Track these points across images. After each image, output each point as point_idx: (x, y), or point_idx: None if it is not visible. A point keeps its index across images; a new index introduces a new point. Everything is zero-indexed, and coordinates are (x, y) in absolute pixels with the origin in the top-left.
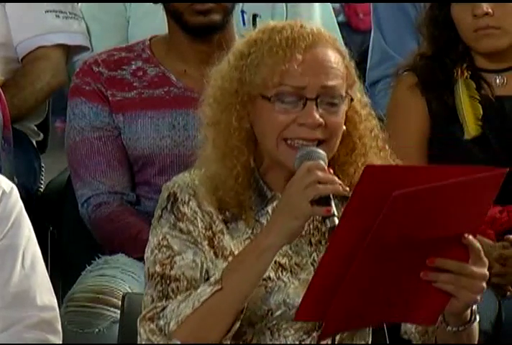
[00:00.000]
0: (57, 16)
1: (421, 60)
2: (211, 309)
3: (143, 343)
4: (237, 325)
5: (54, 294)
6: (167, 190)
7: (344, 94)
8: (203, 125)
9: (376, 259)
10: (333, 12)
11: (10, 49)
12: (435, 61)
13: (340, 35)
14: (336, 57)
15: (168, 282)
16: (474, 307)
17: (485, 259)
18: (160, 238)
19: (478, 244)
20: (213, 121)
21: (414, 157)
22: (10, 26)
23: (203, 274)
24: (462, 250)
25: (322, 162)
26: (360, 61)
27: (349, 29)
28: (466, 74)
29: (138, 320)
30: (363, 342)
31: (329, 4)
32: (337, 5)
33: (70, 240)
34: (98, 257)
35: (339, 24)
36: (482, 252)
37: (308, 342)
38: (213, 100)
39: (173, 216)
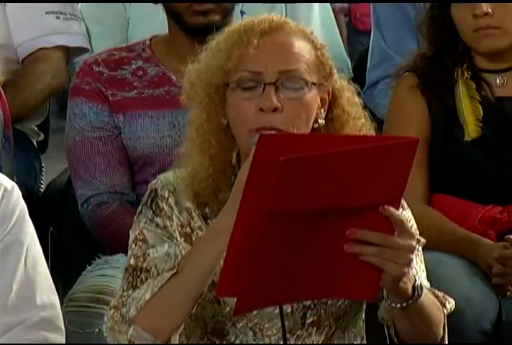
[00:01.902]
0: (58, 18)
1: (421, 61)
2: (168, 293)
3: (107, 331)
4: (194, 309)
5: (55, 291)
6: (150, 187)
7: (311, 80)
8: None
9: (282, 231)
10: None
11: (10, 51)
12: (435, 62)
13: (339, 35)
14: (301, 45)
15: (139, 273)
16: (418, 282)
17: (411, 231)
18: (137, 232)
19: (400, 216)
20: (190, 116)
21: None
22: (10, 28)
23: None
24: (387, 222)
25: None
26: (360, 62)
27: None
28: (466, 75)
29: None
30: (358, 338)
31: (328, 4)
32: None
33: (70, 240)
34: (98, 257)
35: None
36: (407, 223)
37: (292, 341)
38: (185, 96)
39: (151, 211)
